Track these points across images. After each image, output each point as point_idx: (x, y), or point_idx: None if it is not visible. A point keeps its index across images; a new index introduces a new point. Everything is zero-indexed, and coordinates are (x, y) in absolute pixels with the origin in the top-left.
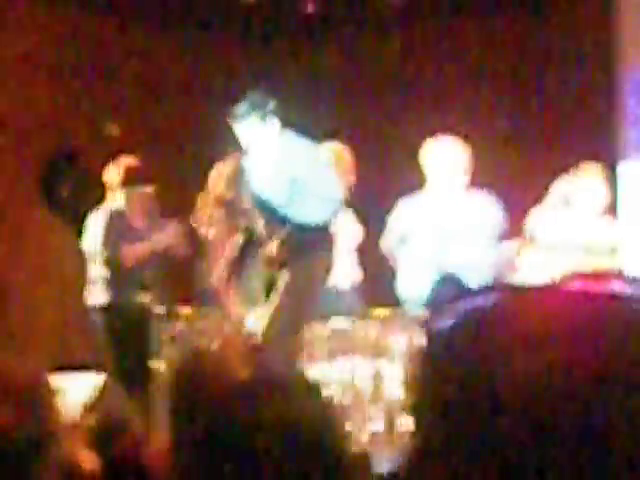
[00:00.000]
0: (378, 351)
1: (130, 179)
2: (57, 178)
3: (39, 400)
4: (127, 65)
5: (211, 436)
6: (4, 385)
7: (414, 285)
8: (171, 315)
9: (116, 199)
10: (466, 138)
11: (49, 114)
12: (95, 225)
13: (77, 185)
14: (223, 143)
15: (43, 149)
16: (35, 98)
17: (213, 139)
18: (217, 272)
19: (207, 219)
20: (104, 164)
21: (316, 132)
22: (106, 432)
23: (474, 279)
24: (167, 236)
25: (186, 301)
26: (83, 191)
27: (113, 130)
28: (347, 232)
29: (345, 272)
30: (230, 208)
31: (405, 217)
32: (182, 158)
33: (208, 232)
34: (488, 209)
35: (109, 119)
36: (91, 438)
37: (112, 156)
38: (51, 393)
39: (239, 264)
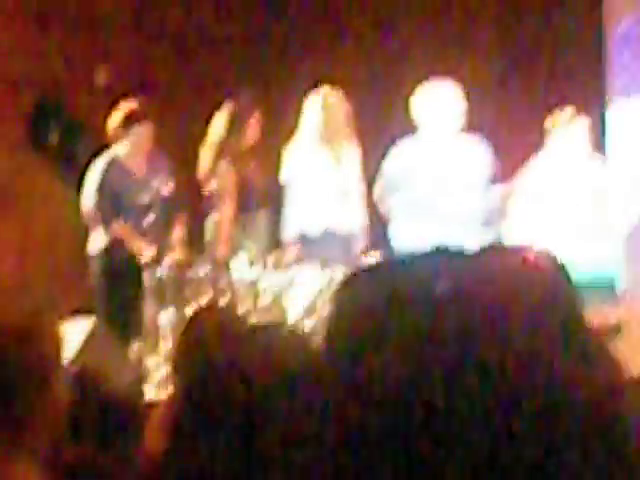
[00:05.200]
0: None
1: (129, 119)
2: (45, 125)
3: (42, 337)
4: (120, 11)
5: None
6: (7, 321)
7: (406, 233)
8: (158, 262)
9: (116, 147)
10: (458, 82)
11: (37, 62)
12: (93, 173)
13: (65, 131)
14: (224, 90)
15: (31, 97)
16: (23, 46)
17: (214, 87)
18: (222, 226)
19: (209, 170)
20: (95, 112)
21: (306, 79)
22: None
23: (466, 225)
24: (165, 183)
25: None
26: (72, 137)
27: (103, 78)
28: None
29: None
30: (232, 156)
31: (398, 164)
32: (180, 107)
33: (212, 184)
34: (479, 153)
35: (100, 67)
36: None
37: (105, 104)
38: (56, 334)
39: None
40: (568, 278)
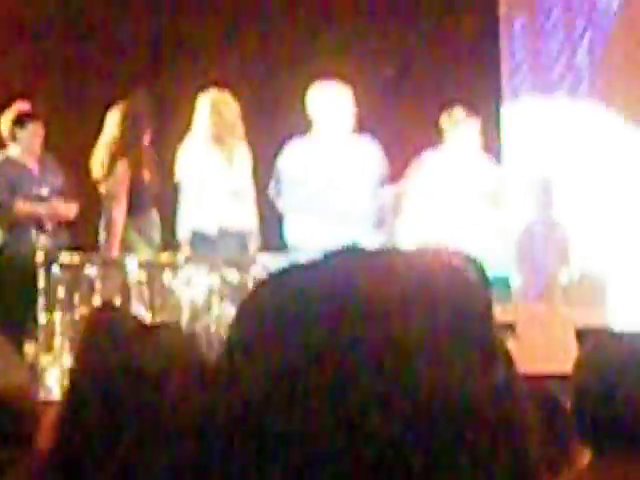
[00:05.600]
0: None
1: (20, 119)
2: None
3: None
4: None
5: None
6: None
7: (300, 230)
8: (52, 261)
9: (9, 146)
10: (351, 82)
11: None
12: None
13: None
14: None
15: None
16: None
17: (108, 87)
18: (114, 225)
19: (104, 170)
20: None
21: (198, 80)
22: None
23: (359, 224)
24: (60, 180)
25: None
26: None
27: None
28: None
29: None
30: (126, 156)
31: (292, 162)
32: (73, 107)
33: (106, 183)
34: (371, 153)
35: None
36: None
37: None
38: None
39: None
40: (484, 278)
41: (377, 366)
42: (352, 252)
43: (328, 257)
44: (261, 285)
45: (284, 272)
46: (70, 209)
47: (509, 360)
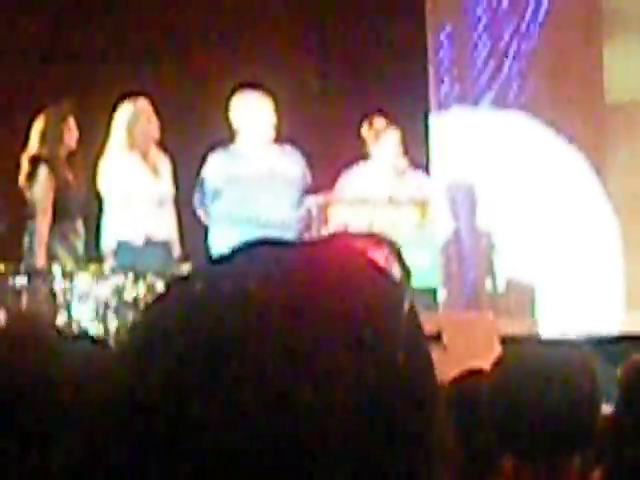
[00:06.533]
0: None
1: None
2: None
3: None
4: None
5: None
6: None
7: (223, 241)
8: None
9: None
10: (273, 93)
11: None
12: None
13: None
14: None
15: None
16: None
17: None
18: (38, 234)
19: (27, 178)
20: None
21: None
22: None
23: (281, 234)
24: None
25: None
26: None
27: None
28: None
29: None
30: (49, 164)
31: (215, 172)
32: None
33: (30, 192)
34: (293, 163)
35: None
36: None
37: None
38: None
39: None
40: (402, 263)
41: (260, 361)
42: (259, 246)
43: (236, 252)
44: (165, 293)
45: (190, 276)
46: None
47: (417, 361)
